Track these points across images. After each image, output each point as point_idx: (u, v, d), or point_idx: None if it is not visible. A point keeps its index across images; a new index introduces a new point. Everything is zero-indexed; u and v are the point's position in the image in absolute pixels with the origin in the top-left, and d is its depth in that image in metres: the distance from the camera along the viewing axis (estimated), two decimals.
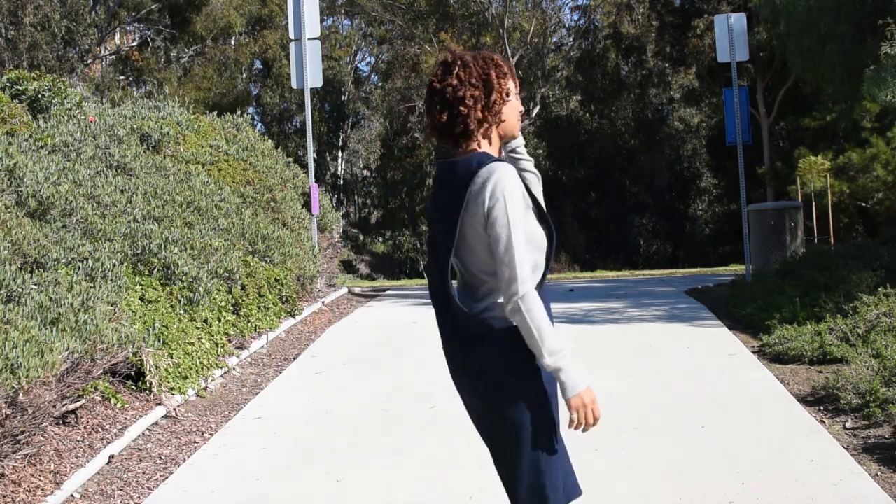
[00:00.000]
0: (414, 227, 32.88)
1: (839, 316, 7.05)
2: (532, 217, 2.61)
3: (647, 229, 29.80)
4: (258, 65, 32.89)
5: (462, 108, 2.58)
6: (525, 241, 2.53)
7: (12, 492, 4.12)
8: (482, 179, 2.53)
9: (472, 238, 2.57)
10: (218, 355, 6.81)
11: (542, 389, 2.57)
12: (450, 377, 2.68)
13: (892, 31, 9.97)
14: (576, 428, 2.53)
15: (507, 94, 2.65)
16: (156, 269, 6.73)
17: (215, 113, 12.83)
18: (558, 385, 2.53)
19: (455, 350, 2.66)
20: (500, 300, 2.56)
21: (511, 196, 2.52)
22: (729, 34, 11.44)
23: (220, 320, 7.20)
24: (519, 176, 2.60)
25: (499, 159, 2.61)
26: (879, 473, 4.23)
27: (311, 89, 11.60)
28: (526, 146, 2.91)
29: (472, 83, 2.59)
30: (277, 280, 8.67)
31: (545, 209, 2.66)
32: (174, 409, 5.63)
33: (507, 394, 2.56)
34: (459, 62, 2.62)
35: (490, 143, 2.67)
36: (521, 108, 2.73)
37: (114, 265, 5.96)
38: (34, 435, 4.39)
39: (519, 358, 2.55)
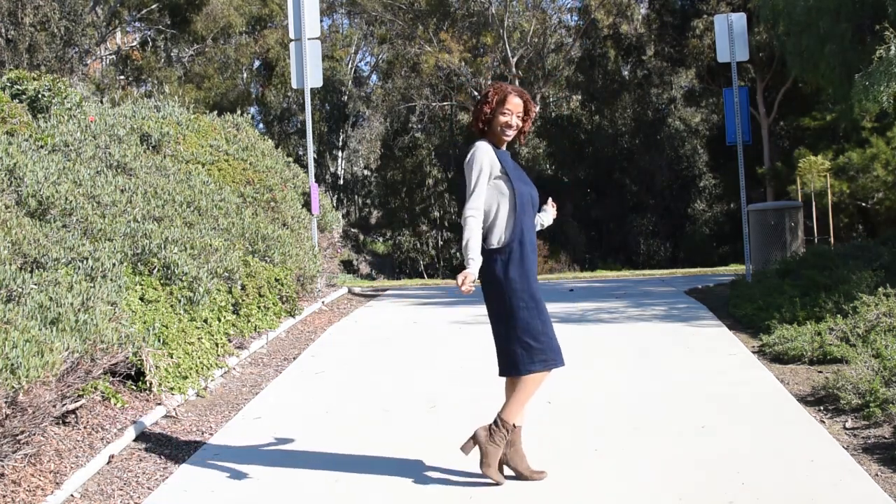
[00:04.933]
0: (414, 227, 32.85)
1: (839, 316, 7.05)
2: (496, 177, 4.14)
3: (647, 229, 29.79)
4: (258, 64, 32.91)
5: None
6: (482, 189, 4.09)
7: (12, 492, 4.12)
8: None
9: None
10: (218, 355, 6.82)
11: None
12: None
13: (889, 35, 9.96)
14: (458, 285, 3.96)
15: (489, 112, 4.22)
16: (156, 269, 6.73)
17: (215, 113, 12.83)
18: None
19: None
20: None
21: (477, 160, 4.14)
22: (729, 34, 11.44)
23: (220, 320, 7.20)
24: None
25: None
26: (879, 473, 4.24)
27: (312, 89, 11.61)
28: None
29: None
30: (277, 280, 8.67)
31: (510, 176, 4.14)
32: (174, 409, 5.64)
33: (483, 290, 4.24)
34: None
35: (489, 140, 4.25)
36: (504, 121, 4.18)
37: (114, 265, 5.96)
38: (34, 435, 4.39)
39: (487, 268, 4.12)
